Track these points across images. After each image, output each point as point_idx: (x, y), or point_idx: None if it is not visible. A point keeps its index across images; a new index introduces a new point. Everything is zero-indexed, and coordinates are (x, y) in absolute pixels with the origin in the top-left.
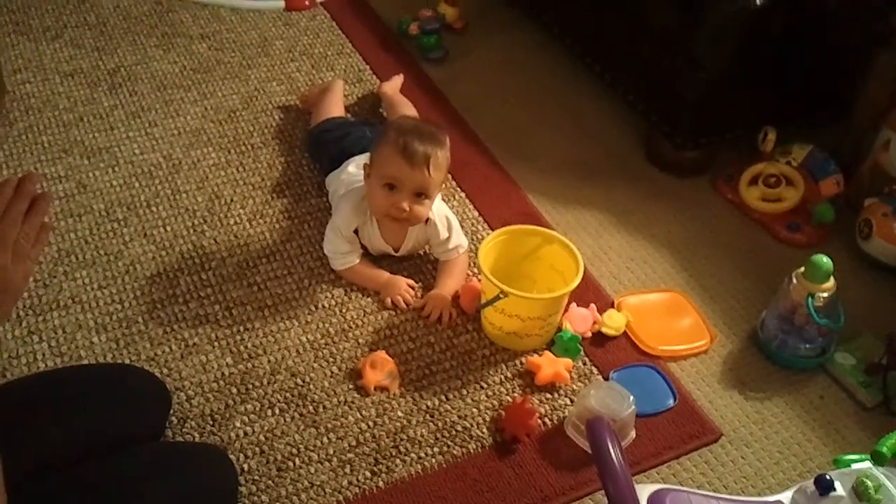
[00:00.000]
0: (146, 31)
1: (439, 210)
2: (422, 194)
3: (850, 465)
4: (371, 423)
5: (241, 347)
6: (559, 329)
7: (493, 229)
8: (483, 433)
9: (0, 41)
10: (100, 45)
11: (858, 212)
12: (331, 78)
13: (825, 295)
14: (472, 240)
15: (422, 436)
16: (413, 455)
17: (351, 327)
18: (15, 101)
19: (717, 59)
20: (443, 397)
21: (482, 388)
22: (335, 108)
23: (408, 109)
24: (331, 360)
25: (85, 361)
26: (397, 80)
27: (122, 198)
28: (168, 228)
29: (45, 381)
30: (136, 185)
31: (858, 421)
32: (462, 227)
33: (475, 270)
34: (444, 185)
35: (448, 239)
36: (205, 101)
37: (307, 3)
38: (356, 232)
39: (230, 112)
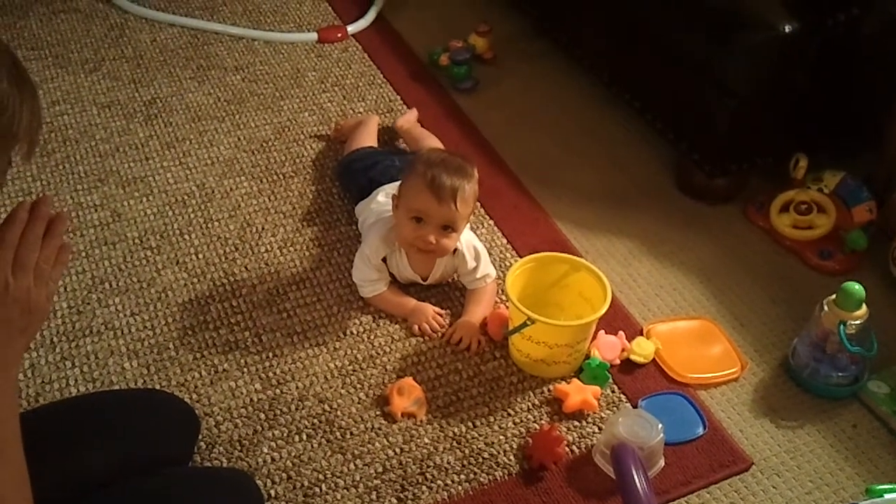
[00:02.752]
0: (182, 63)
1: (467, 240)
2: (449, 227)
3: (882, 496)
4: (398, 450)
5: (270, 374)
6: (587, 356)
7: (521, 256)
8: (510, 461)
9: (40, 74)
10: (136, 77)
11: (891, 239)
12: (362, 108)
13: (857, 322)
14: (501, 267)
15: (448, 463)
16: (439, 482)
17: (379, 354)
18: (53, 131)
19: (747, 87)
20: (470, 424)
21: (509, 415)
22: (367, 139)
23: (431, 140)
24: (358, 386)
25: (116, 387)
26: (411, 115)
27: (155, 226)
28: (200, 256)
29: (76, 407)
30: (170, 213)
31: (892, 450)
32: (490, 254)
33: (503, 297)
34: (471, 217)
35: (476, 269)
36: (238, 132)
37: (339, 35)
38: (385, 261)
39: (263, 142)
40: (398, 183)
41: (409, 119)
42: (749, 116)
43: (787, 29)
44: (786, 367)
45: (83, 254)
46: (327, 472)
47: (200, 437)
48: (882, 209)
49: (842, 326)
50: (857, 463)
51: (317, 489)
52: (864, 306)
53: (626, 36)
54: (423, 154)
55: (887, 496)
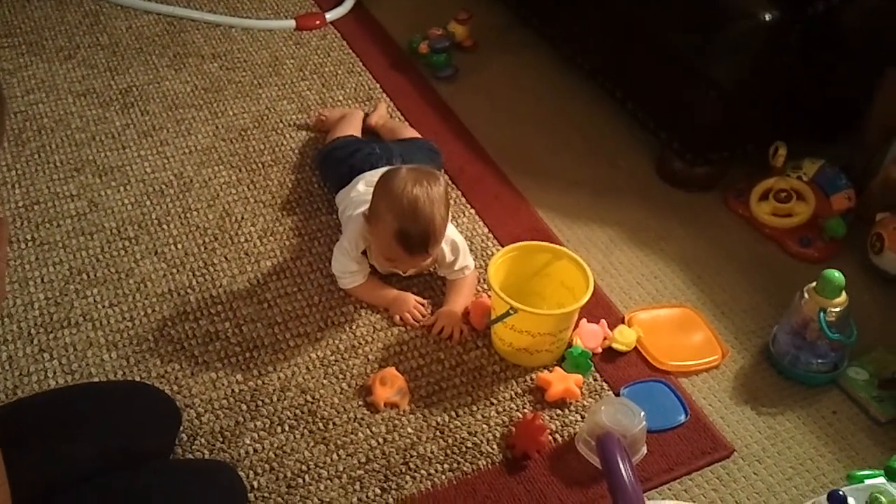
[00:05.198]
0: (158, 51)
1: (446, 233)
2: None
3: (863, 481)
4: (381, 440)
5: (251, 364)
6: (569, 345)
7: (502, 246)
8: (493, 450)
9: (14, 62)
10: (112, 65)
11: (870, 226)
12: (341, 97)
13: (837, 310)
14: (482, 256)
15: (432, 452)
16: (423, 472)
17: (361, 344)
18: (28, 120)
19: (729, 76)
20: (453, 413)
21: (492, 404)
22: (350, 130)
23: (406, 130)
24: (340, 376)
25: (95, 379)
26: (381, 110)
27: (133, 216)
28: (179, 246)
29: (55, 399)
30: (148, 203)
31: (872, 436)
32: (471, 243)
33: (485, 286)
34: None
35: (454, 262)
36: (216, 120)
37: (318, 22)
38: (364, 252)
39: (241, 131)
40: (379, 171)
41: (380, 115)
42: (730, 105)
43: (768, 18)
44: (766, 355)
45: (60, 244)
46: (310, 462)
47: (182, 428)
48: (860, 197)
49: (822, 314)
50: (837, 449)
51: (300, 480)
52: (843, 293)
53: (608, 26)
54: (390, 192)
55: (868, 481)
